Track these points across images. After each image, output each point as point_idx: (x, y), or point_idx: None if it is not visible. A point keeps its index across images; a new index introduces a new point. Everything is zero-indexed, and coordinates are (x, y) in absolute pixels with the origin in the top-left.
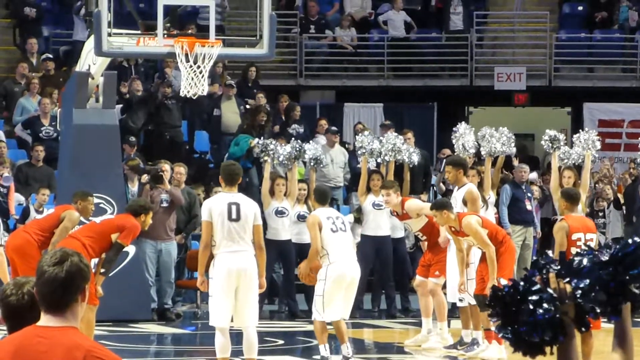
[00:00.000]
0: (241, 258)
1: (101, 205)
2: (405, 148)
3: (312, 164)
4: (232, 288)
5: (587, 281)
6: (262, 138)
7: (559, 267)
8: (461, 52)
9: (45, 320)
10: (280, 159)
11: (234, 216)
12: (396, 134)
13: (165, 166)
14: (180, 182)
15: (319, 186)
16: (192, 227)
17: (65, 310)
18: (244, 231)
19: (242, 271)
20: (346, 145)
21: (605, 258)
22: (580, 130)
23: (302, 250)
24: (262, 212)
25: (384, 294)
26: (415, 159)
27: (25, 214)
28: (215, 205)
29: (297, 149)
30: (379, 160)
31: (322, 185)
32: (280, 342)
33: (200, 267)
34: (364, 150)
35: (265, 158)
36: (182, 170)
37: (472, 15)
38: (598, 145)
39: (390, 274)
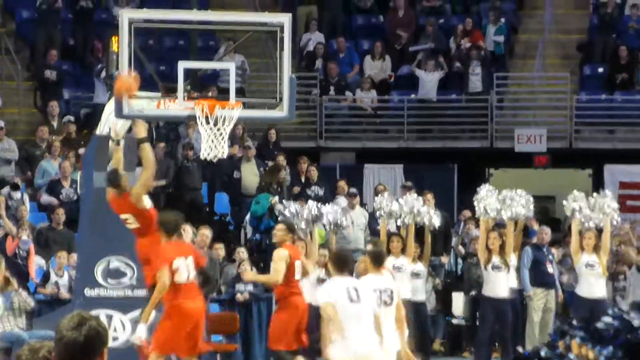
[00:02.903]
0: None
1: (120, 269)
2: (425, 210)
3: (331, 227)
4: None
5: (610, 348)
6: (281, 197)
7: (582, 333)
8: (481, 114)
9: None
10: (301, 224)
11: None
12: (416, 195)
13: (187, 227)
14: (204, 244)
15: (339, 251)
16: (210, 291)
17: None
18: None
19: None
20: (366, 207)
21: (636, 323)
22: (594, 194)
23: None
24: None
25: None
26: (437, 222)
27: (45, 277)
28: None
29: (316, 211)
30: (398, 222)
31: (342, 250)
32: None
33: None
34: (382, 213)
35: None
36: (207, 232)
37: (492, 77)
38: (616, 206)
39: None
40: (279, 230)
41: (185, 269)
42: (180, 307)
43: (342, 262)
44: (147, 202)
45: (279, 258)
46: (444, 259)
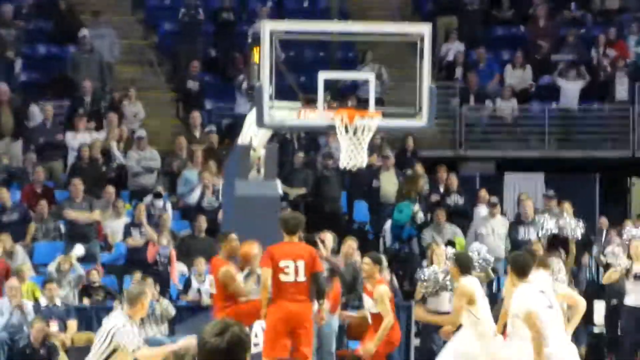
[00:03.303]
0: None
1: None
2: (567, 221)
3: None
4: None
5: None
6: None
7: None
8: (623, 124)
9: None
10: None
11: None
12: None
13: (328, 235)
14: (350, 255)
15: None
16: (353, 299)
17: None
18: None
19: None
20: (507, 216)
21: None
22: None
23: None
24: None
25: None
26: (579, 233)
27: (187, 284)
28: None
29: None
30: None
31: (520, 255)
32: None
33: None
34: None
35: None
36: (352, 243)
37: (635, 87)
38: None
39: None
40: (366, 264)
41: (293, 270)
42: (280, 306)
43: (465, 262)
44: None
45: (385, 295)
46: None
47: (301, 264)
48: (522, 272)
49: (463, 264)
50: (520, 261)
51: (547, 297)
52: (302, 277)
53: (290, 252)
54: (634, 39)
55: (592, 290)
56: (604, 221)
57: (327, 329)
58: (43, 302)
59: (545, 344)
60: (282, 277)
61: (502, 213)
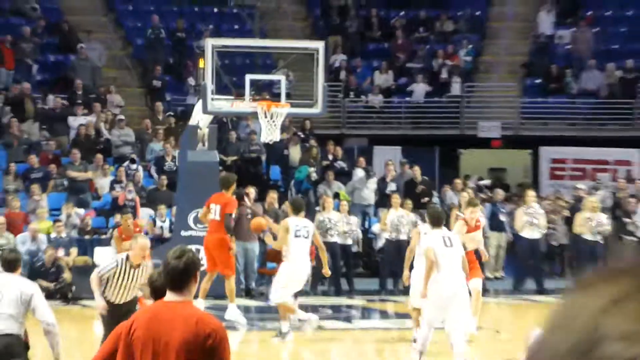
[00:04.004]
0: None
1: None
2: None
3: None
4: None
5: None
6: (314, 169)
7: None
8: (455, 111)
9: (170, 296)
10: None
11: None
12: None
13: (251, 190)
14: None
15: (432, 210)
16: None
17: (183, 290)
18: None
19: None
20: (375, 176)
21: None
22: None
23: None
24: None
25: None
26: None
27: (153, 223)
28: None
29: None
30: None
31: (435, 210)
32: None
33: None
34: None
35: None
36: (274, 195)
37: (464, 86)
38: None
39: None
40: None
41: (214, 212)
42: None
43: (437, 219)
44: None
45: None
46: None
47: (218, 208)
48: (435, 222)
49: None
50: (433, 214)
51: (448, 239)
52: (217, 216)
53: (216, 199)
54: (463, 52)
55: None
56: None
57: (251, 253)
58: (53, 235)
59: (438, 271)
60: (210, 216)
61: (372, 174)
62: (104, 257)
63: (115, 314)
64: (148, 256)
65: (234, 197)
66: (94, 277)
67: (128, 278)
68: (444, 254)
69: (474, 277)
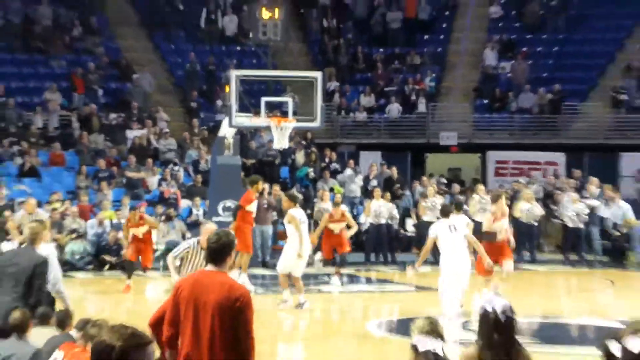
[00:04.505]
0: None
1: (230, 205)
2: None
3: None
4: None
5: None
6: (313, 169)
7: None
8: (422, 124)
9: (209, 267)
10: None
11: None
12: None
13: (265, 185)
14: (276, 195)
15: (444, 205)
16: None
17: (220, 263)
18: None
19: None
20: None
21: None
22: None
23: None
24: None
25: None
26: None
27: (190, 211)
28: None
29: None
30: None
31: (446, 205)
32: None
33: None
34: None
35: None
36: (277, 188)
37: (429, 106)
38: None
39: None
40: (284, 201)
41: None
42: None
43: (446, 210)
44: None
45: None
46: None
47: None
48: (444, 213)
49: (293, 199)
50: (444, 207)
51: (453, 225)
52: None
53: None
54: (428, 79)
55: None
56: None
57: (266, 234)
58: (115, 221)
59: (442, 255)
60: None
61: (359, 172)
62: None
63: None
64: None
65: (249, 194)
66: (169, 258)
67: (198, 258)
68: (448, 239)
69: (506, 259)
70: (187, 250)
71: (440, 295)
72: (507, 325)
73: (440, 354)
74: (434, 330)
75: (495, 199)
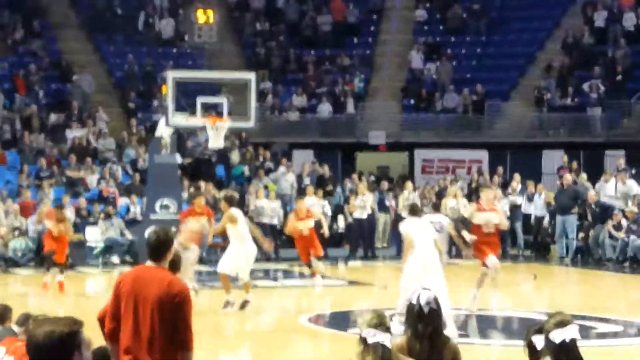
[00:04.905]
0: None
1: (168, 204)
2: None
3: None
4: None
5: None
6: (248, 167)
7: None
8: (352, 124)
9: (149, 263)
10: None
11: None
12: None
13: (201, 183)
14: (209, 191)
15: (413, 204)
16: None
17: (160, 259)
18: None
19: None
20: (294, 171)
21: None
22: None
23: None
24: None
25: None
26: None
27: (128, 209)
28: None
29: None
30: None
31: (415, 204)
32: None
33: None
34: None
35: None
36: (211, 187)
37: (359, 105)
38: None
39: None
40: (222, 205)
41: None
42: None
43: (415, 209)
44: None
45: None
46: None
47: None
48: (413, 212)
49: (230, 201)
50: (413, 206)
51: (423, 224)
52: None
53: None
54: (357, 80)
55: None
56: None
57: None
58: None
59: (413, 251)
60: None
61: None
62: (93, 236)
63: None
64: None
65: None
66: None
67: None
68: (417, 237)
69: (492, 254)
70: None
71: (401, 291)
72: (431, 316)
73: (388, 346)
74: (382, 323)
75: (485, 187)
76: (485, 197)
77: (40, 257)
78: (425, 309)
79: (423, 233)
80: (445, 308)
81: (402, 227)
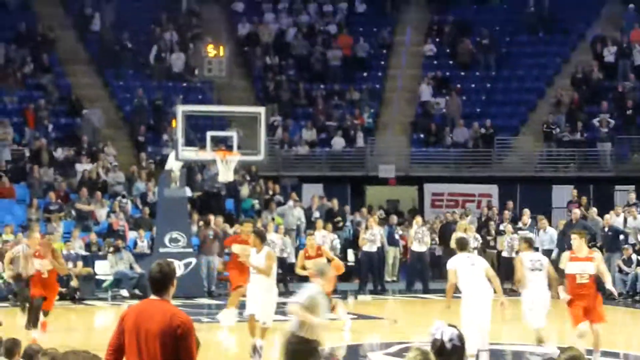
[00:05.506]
0: None
1: (177, 237)
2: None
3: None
4: None
5: None
6: (258, 201)
7: None
8: (361, 158)
9: (153, 296)
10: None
11: None
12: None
13: (211, 217)
14: (218, 224)
15: (461, 238)
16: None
17: (162, 292)
18: None
19: None
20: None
21: None
22: None
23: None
24: None
25: None
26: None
27: (135, 243)
28: None
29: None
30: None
31: (463, 238)
32: None
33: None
34: None
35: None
36: (220, 220)
37: (368, 139)
38: None
39: None
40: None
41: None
42: None
43: (463, 244)
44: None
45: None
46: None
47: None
48: (461, 247)
49: (263, 237)
50: (461, 241)
51: (471, 260)
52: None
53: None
54: (367, 115)
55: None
56: (346, 209)
57: (211, 264)
58: (65, 252)
59: (462, 289)
60: None
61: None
62: (102, 269)
63: None
64: None
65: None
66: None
67: None
68: (467, 272)
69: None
70: None
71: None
72: (453, 352)
73: None
74: (426, 359)
75: (577, 233)
76: (577, 244)
77: (21, 302)
78: (448, 345)
79: (472, 268)
80: (484, 343)
81: (450, 264)
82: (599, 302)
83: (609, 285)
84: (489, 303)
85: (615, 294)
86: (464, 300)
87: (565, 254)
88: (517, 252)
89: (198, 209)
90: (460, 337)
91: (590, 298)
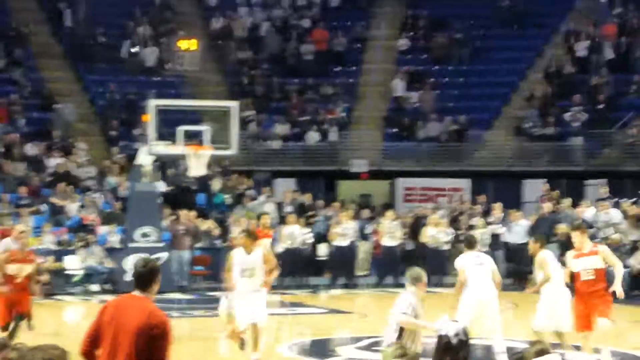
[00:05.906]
0: None
1: (148, 232)
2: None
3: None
4: None
5: None
6: (230, 195)
7: None
8: (334, 152)
9: (136, 292)
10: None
11: None
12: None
13: (183, 212)
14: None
15: (469, 236)
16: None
17: (146, 289)
18: None
19: None
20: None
21: None
22: None
23: None
24: None
25: None
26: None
27: (106, 239)
28: None
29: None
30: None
31: (471, 236)
32: None
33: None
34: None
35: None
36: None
37: (340, 134)
38: None
39: None
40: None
41: None
42: None
43: (471, 242)
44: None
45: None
46: None
47: None
48: (469, 246)
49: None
50: (469, 239)
51: (480, 259)
52: None
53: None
54: (340, 109)
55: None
56: (319, 203)
57: (183, 259)
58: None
59: (467, 285)
60: None
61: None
62: (72, 264)
63: None
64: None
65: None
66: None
67: None
68: (474, 271)
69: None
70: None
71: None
72: (458, 347)
73: None
74: (405, 353)
75: (576, 228)
76: (578, 240)
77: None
78: (454, 341)
79: (479, 267)
80: (498, 341)
81: (458, 262)
82: (607, 303)
83: (617, 284)
84: (495, 304)
85: (621, 294)
86: (466, 296)
87: (569, 254)
88: (491, 247)
89: (170, 203)
90: (466, 332)
91: (596, 297)
